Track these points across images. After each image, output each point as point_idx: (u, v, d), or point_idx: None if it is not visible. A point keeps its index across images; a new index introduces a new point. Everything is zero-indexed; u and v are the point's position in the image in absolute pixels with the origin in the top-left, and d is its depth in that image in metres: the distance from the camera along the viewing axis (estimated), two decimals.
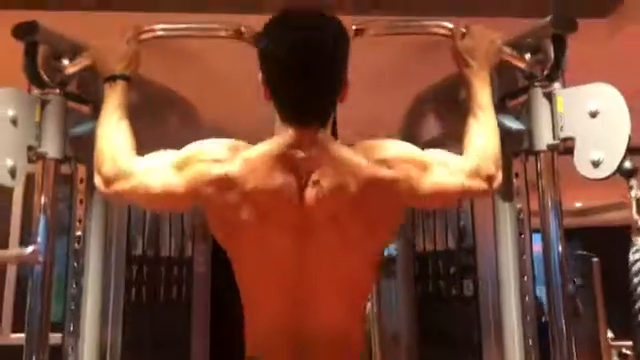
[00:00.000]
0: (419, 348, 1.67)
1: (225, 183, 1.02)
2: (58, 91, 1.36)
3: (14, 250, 1.25)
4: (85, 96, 1.44)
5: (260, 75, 1.06)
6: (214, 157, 1.05)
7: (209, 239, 1.88)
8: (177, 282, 1.65)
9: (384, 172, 1.04)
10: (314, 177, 1.01)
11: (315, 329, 1.05)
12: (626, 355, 6.68)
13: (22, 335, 2.69)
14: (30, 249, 1.23)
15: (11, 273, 2.84)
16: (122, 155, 1.15)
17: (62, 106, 1.36)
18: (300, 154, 1.01)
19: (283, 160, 1.02)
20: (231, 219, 1.03)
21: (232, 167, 1.03)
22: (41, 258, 1.25)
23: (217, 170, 1.03)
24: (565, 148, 1.31)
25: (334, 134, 1.12)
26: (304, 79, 1.00)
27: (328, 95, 1.05)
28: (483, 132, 1.21)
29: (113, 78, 1.28)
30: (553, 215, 1.32)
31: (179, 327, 1.64)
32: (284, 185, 1.01)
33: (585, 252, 4.47)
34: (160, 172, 1.09)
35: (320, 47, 1.01)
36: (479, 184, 1.14)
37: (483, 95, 1.26)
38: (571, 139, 1.28)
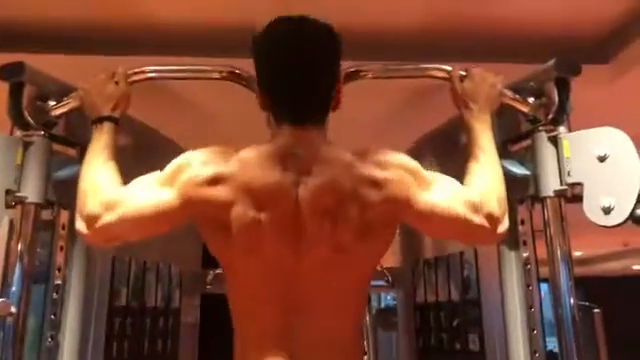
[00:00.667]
0: None
1: (218, 181, 1.00)
2: (43, 133, 1.31)
3: None
4: (72, 138, 1.40)
5: (257, 86, 1.08)
6: (202, 160, 1.03)
7: (198, 288, 1.79)
8: (163, 334, 1.55)
9: (377, 173, 1.02)
10: (309, 175, 1.00)
11: (309, 338, 0.99)
12: None
13: None
14: (0, 300, 1.14)
15: None
16: (105, 189, 1.09)
17: (46, 148, 1.31)
18: (295, 152, 1.01)
19: (278, 159, 1.01)
20: (226, 219, 0.99)
21: (225, 167, 1.01)
22: (14, 309, 1.16)
23: (209, 171, 1.01)
24: (573, 194, 1.25)
25: None
26: (298, 77, 1.02)
27: (322, 93, 1.06)
28: (486, 174, 1.15)
29: (100, 120, 1.24)
30: (563, 264, 1.25)
31: None
32: (279, 182, 0.99)
33: (587, 303, 4.38)
34: (148, 191, 1.04)
35: (313, 47, 1.03)
36: (480, 221, 1.06)
37: (485, 138, 1.21)
38: (579, 184, 1.22)
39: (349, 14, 1.62)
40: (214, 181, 1.00)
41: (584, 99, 1.67)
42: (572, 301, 1.23)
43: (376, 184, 1.01)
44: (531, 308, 1.31)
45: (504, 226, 1.10)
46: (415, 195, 1.03)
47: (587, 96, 1.90)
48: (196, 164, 1.02)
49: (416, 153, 1.72)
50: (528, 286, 1.33)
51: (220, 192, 0.99)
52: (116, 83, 1.28)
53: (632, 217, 1.14)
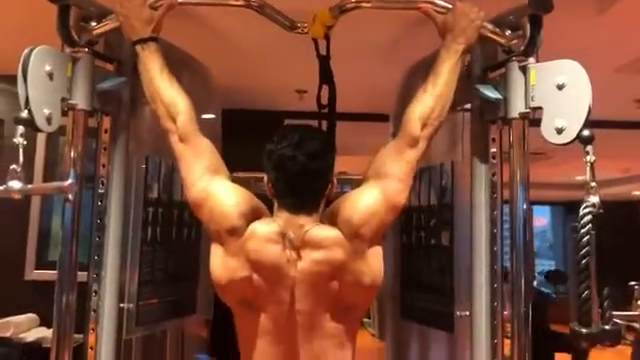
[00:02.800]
0: (401, 291, 1.87)
1: (234, 232, 1.28)
2: (87, 50, 1.52)
3: (54, 183, 1.43)
4: (110, 55, 1.61)
5: (265, 177, 1.33)
6: (236, 206, 1.30)
7: None
8: (188, 224, 1.85)
9: (362, 229, 1.26)
10: (300, 254, 1.26)
11: None
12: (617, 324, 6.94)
13: (44, 272, 2.95)
14: (68, 182, 1.41)
15: (34, 213, 3.06)
16: (184, 119, 1.39)
17: (90, 63, 1.52)
18: (290, 235, 1.26)
19: (278, 237, 1.26)
20: (232, 267, 1.28)
21: (240, 227, 1.28)
22: (76, 189, 1.43)
23: (232, 218, 1.28)
24: (535, 117, 1.46)
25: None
26: (296, 182, 1.28)
27: (315, 193, 1.31)
28: (422, 99, 1.38)
29: (144, 40, 1.44)
30: (521, 187, 1.48)
31: (188, 264, 1.84)
32: (277, 257, 1.26)
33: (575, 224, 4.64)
34: (200, 167, 1.35)
35: (311, 159, 1.26)
36: (417, 151, 1.34)
37: (443, 64, 1.41)
38: (540, 108, 1.44)
39: None
40: (232, 230, 1.28)
41: (573, 29, 1.83)
42: (525, 205, 1.48)
43: (362, 237, 1.26)
44: (494, 212, 1.57)
45: (426, 136, 1.36)
46: (391, 197, 1.32)
47: (571, 27, 2.06)
48: (229, 200, 1.31)
49: (410, 77, 1.94)
50: (493, 194, 1.58)
51: (233, 240, 1.27)
52: (151, 6, 1.48)
53: (579, 137, 1.36)
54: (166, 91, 1.40)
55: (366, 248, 1.27)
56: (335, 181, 1.34)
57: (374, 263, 1.29)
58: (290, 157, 1.26)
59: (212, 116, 2.06)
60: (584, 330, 1.28)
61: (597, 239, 1.30)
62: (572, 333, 1.29)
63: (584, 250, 1.27)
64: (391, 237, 2.03)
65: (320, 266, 1.25)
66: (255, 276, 1.27)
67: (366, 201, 1.29)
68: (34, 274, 3.03)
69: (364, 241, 1.27)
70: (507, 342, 1.48)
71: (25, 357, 2.57)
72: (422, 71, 1.87)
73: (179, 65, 1.79)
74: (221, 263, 1.30)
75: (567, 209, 10.12)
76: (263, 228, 1.28)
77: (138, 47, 1.45)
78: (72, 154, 1.50)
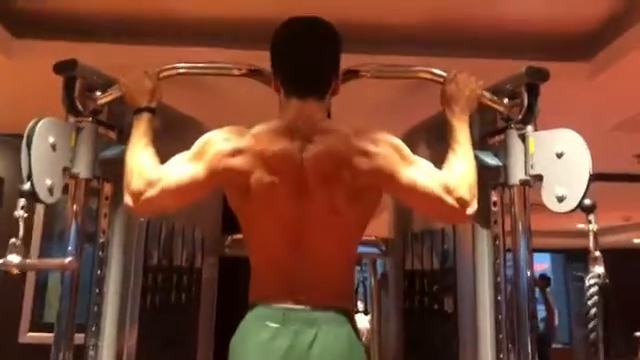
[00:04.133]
0: (404, 357, 1.83)
1: (237, 153, 1.26)
2: (91, 119, 1.55)
3: (56, 260, 1.42)
4: (113, 123, 1.63)
5: (272, 70, 1.35)
6: (223, 137, 1.28)
7: (217, 250, 2.05)
8: (187, 289, 1.82)
9: (369, 146, 1.26)
10: (311, 143, 1.25)
11: (310, 271, 1.26)
12: None
13: (38, 334, 2.88)
14: (68, 259, 1.41)
15: (31, 277, 3.02)
16: (148, 169, 1.34)
17: (94, 132, 1.54)
18: (299, 124, 1.26)
19: (285, 131, 1.27)
20: (244, 184, 1.25)
21: (242, 142, 1.26)
22: (76, 265, 1.43)
23: (229, 145, 1.27)
24: (535, 184, 1.47)
25: None
26: (305, 58, 1.31)
27: (323, 74, 1.33)
28: (460, 164, 1.36)
29: (140, 110, 1.48)
30: (523, 239, 1.48)
31: (187, 328, 1.81)
32: (286, 149, 1.25)
33: (579, 273, 4.63)
34: (182, 167, 1.30)
35: (318, 37, 1.32)
36: (452, 203, 1.27)
37: (462, 134, 1.43)
38: (540, 176, 1.45)
39: (351, 8, 1.81)
40: (234, 153, 1.26)
41: (566, 92, 1.86)
42: (529, 273, 1.48)
43: (367, 155, 1.25)
44: (497, 277, 1.56)
45: (472, 209, 1.31)
46: (399, 170, 1.27)
47: (569, 90, 2.10)
48: (218, 140, 1.29)
49: (410, 138, 1.95)
50: (496, 260, 1.57)
51: (240, 162, 1.25)
52: (150, 78, 1.52)
53: (580, 206, 1.37)
54: (136, 154, 1.38)
55: (370, 164, 1.26)
56: (339, 79, 1.37)
57: (375, 173, 1.28)
58: (296, 37, 1.31)
59: None
60: None
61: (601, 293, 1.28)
62: None
63: (592, 323, 1.25)
64: (393, 301, 2.01)
65: (329, 155, 1.25)
66: (267, 171, 1.25)
67: (395, 140, 1.31)
68: (28, 337, 2.95)
69: (371, 156, 1.26)
70: None
71: None
72: (422, 133, 1.92)
73: (184, 130, 1.82)
74: (241, 194, 1.28)
75: (568, 256, 10.06)
76: (268, 126, 1.29)
77: (134, 116, 1.48)
78: (74, 221, 1.50)
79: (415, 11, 1.89)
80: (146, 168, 1.34)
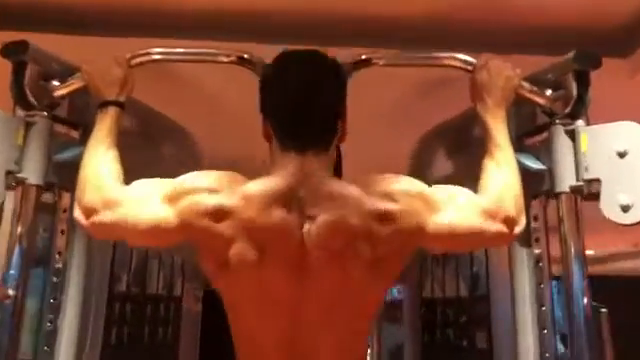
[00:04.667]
0: None
1: (221, 215, 0.96)
2: (45, 113, 1.28)
3: None
4: (75, 120, 1.36)
5: (262, 120, 1.07)
6: (210, 187, 0.99)
7: (201, 276, 1.76)
8: (164, 322, 1.53)
9: (387, 205, 0.98)
10: (313, 212, 0.96)
11: None
12: None
13: None
14: (9, 288, 1.13)
15: None
16: (107, 184, 1.07)
17: (48, 129, 1.28)
18: (299, 192, 0.98)
19: (281, 195, 0.97)
20: (225, 255, 0.97)
21: (229, 200, 0.97)
22: (11, 292, 1.14)
23: (213, 201, 0.97)
24: (589, 191, 1.20)
25: (339, 175, 1.10)
26: (303, 103, 1.02)
27: (325, 121, 1.05)
28: (502, 172, 1.12)
29: (106, 104, 1.21)
30: (576, 263, 1.21)
31: None
32: (281, 222, 0.96)
33: (594, 303, 4.36)
34: (149, 204, 1.01)
35: (319, 76, 1.05)
36: (497, 227, 1.04)
37: (500, 134, 1.17)
38: (597, 181, 1.18)
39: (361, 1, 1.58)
40: (216, 212, 0.97)
41: (603, 93, 1.62)
42: (585, 301, 1.19)
43: (385, 218, 0.98)
44: (542, 307, 1.28)
45: (521, 226, 1.08)
46: (427, 221, 1.00)
47: (606, 90, 1.85)
48: (201, 190, 0.99)
49: (427, 145, 1.71)
50: (540, 284, 1.29)
51: (221, 226, 0.97)
52: (120, 66, 1.25)
53: None
54: (95, 158, 1.13)
55: (392, 229, 0.98)
56: (346, 120, 1.10)
57: (397, 241, 0.99)
58: (289, 75, 1.04)
59: None
60: None
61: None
62: None
63: None
64: (409, 333, 1.72)
65: (339, 225, 0.96)
66: (253, 246, 0.96)
67: (415, 184, 1.03)
68: None
69: (393, 221, 0.98)
70: None
71: None
72: (441, 138, 1.67)
73: (158, 129, 1.55)
74: (219, 268, 0.99)
75: None
76: (260, 187, 0.99)
77: (99, 110, 1.21)
78: (18, 239, 1.21)
79: (434, 1, 1.65)
80: (105, 181, 1.08)
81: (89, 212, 1.05)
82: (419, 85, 1.92)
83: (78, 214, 1.06)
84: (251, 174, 1.06)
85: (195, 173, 1.03)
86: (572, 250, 1.22)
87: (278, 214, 0.96)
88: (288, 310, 0.97)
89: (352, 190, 0.99)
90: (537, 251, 1.30)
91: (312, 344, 0.98)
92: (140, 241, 1.09)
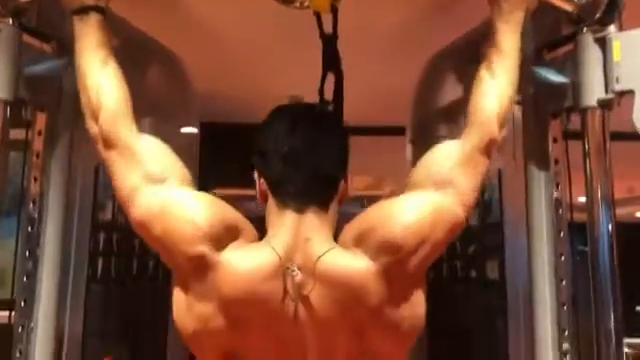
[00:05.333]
0: (430, 340, 1.46)
1: (199, 263, 0.87)
2: (11, 21, 1.14)
3: None
4: (46, 31, 1.23)
5: (256, 175, 0.98)
6: (201, 222, 0.88)
7: None
8: (155, 256, 1.44)
9: (397, 288, 0.87)
10: (309, 296, 0.86)
11: None
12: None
13: None
14: None
15: None
16: (120, 107, 1.00)
17: (15, 39, 1.14)
18: (294, 257, 0.87)
19: (273, 268, 0.86)
20: (203, 317, 0.88)
21: (208, 254, 0.87)
22: None
23: (194, 241, 0.87)
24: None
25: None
26: (303, 158, 0.93)
27: (325, 178, 0.95)
28: (496, 87, 1.02)
29: (85, 10, 1.06)
30: (603, 183, 1.11)
31: (154, 308, 1.42)
32: (273, 301, 0.86)
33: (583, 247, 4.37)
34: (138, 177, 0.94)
35: (315, 123, 0.98)
36: (483, 159, 0.97)
37: (507, 39, 1.05)
38: (630, 92, 1.07)
39: None
40: (199, 259, 0.86)
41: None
42: (610, 227, 1.10)
43: (399, 299, 0.87)
44: (560, 232, 1.19)
45: (501, 137, 1.00)
46: (443, 240, 0.92)
47: None
48: (192, 229, 0.87)
49: (436, 66, 1.58)
50: (557, 208, 1.20)
51: (201, 278, 0.87)
52: None
53: None
54: (92, 75, 1.02)
55: (408, 283, 0.88)
56: (348, 176, 0.99)
57: (417, 302, 0.90)
58: (287, 128, 0.94)
59: (186, 129, 1.69)
60: None
61: None
62: None
63: None
64: None
65: (339, 311, 0.86)
66: (239, 330, 0.87)
67: (416, 214, 0.89)
68: None
69: (407, 274, 0.87)
70: None
71: None
72: (448, 63, 1.55)
73: (146, 56, 1.42)
74: (186, 311, 0.90)
75: (570, 231, 9.88)
76: (248, 259, 0.88)
77: (76, 19, 1.07)
78: None
79: None
80: (118, 103, 1.00)
81: (93, 132, 1.00)
82: (423, 7, 1.79)
83: (92, 127, 1.00)
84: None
85: (197, 205, 0.91)
86: (596, 166, 1.12)
87: (264, 288, 0.86)
88: None
89: (355, 264, 0.87)
90: (557, 174, 1.21)
91: None
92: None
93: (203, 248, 0.86)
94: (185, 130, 1.73)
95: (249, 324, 0.87)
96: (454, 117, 1.52)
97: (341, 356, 0.89)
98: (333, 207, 0.95)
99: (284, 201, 0.92)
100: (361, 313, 0.86)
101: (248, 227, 0.93)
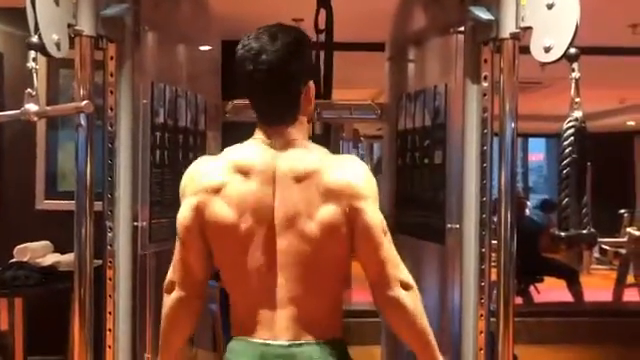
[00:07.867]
0: (397, 209, 1.99)
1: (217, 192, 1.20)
2: None
3: (72, 104, 1.49)
4: None
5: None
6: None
7: (219, 115, 2.14)
8: (193, 149, 1.94)
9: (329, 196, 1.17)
10: (281, 186, 1.18)
11: (287, 314, 1.19)
12: (605, 250, 7.23)
13: (54, 202, 3.07)
14: (85, 101, 1.45)
15: (41, 147, 3.15)
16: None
17: None
18: (271, 167, 1.19)
19: (258, 171, 1.19)
20: (219, 224, 1.20)
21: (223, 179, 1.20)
22: (93, 108, 1.48)
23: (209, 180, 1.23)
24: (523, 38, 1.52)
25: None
26: (261, 86, 1.19)
27: (286, 99, 1.21)
28: None
29: None
30: (509, 94, 1.56)
31: None
32: (257, 191, 1.19)
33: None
34: None
35: (274, 58, 1.16)
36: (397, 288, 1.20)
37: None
38: (530, 28, 1.49)
39: None
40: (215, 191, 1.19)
41: None
42: (512, 125, 1.57)
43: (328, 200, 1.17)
44: (484, 129, 1.66)
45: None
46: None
47: None
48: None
49: None
50: (484, 112, 1.66)
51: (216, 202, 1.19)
52: None
53: (565, 55, 1.43)
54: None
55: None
56: (312, 86, 1.25)
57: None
58: (253, 58, 1.17)
59: (210, 47, 2.11)
60: (563, 234, 1.39)
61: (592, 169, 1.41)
62: (552, 237, 1.41)
63: (566, 161, 1.36)
64: (387, 162, 2.13)
65: (296, 205, 1.18)
66: (239, 215, 1.20)
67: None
68: (45, 204, 3.15)
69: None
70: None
71: (44, 279, 2.73)
72: None
73: None
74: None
75: None
76: (239, 152, 1.24)
77: None
78: (81, 80, 1.57)
79: None
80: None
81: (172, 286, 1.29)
82: None
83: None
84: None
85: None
86: (507, 81, 1.56)
87: (252, 185, 1.18)
88: (263, 263, 1.19)
89: (310, 166, 1.18)
90: (484, 87, 1.65)
91: (284, 283, 1.19)
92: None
93: (218, 178, 1.22)
94: (207, 48, 2.11)
95: (244, 209, 1.19)
96: (422, 40, 1.94)
97: (298, 237, 1.18)
98: (299, 112, 1.23)
99: (258, 118, 1.25)
100: (304, 203, 1.17)
101: None
